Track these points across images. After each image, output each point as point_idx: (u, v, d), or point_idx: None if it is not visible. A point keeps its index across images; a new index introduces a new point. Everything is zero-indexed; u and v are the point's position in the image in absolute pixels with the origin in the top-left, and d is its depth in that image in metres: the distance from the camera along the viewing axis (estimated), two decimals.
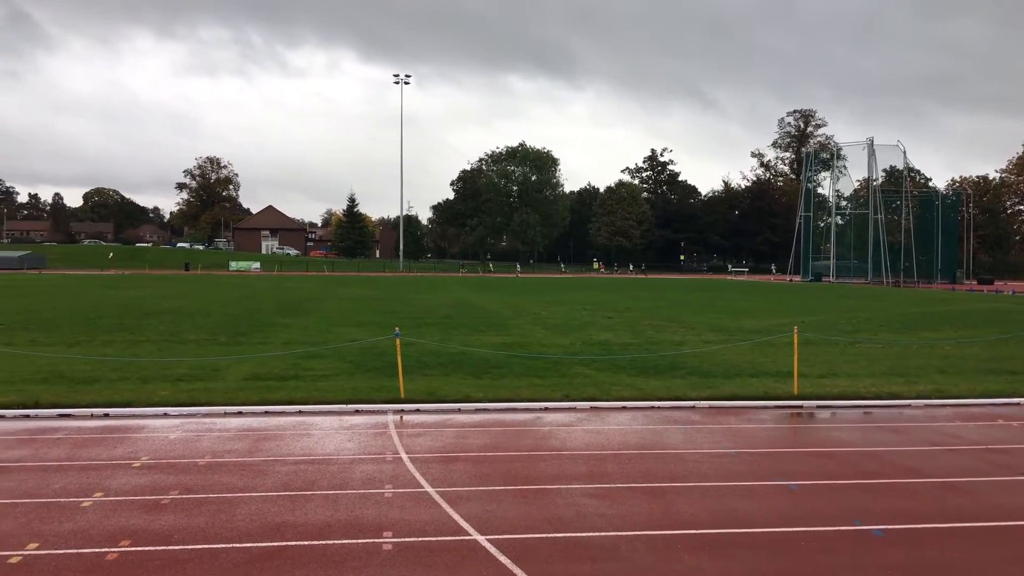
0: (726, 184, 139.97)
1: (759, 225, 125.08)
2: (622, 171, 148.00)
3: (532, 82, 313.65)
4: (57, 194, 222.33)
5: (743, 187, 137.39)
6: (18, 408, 12.11)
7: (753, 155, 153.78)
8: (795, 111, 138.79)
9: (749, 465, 9.61)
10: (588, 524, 7.34)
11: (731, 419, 12.33)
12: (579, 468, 9.31)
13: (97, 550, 6.55)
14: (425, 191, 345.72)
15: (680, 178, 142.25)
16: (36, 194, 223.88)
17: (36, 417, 11.79)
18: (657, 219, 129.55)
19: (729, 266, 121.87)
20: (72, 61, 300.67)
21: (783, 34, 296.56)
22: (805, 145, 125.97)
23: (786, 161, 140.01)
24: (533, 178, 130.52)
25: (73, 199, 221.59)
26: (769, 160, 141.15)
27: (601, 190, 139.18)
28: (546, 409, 12.76)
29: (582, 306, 36.46)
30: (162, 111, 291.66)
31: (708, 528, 7.30)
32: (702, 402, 13.32)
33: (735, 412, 12.87)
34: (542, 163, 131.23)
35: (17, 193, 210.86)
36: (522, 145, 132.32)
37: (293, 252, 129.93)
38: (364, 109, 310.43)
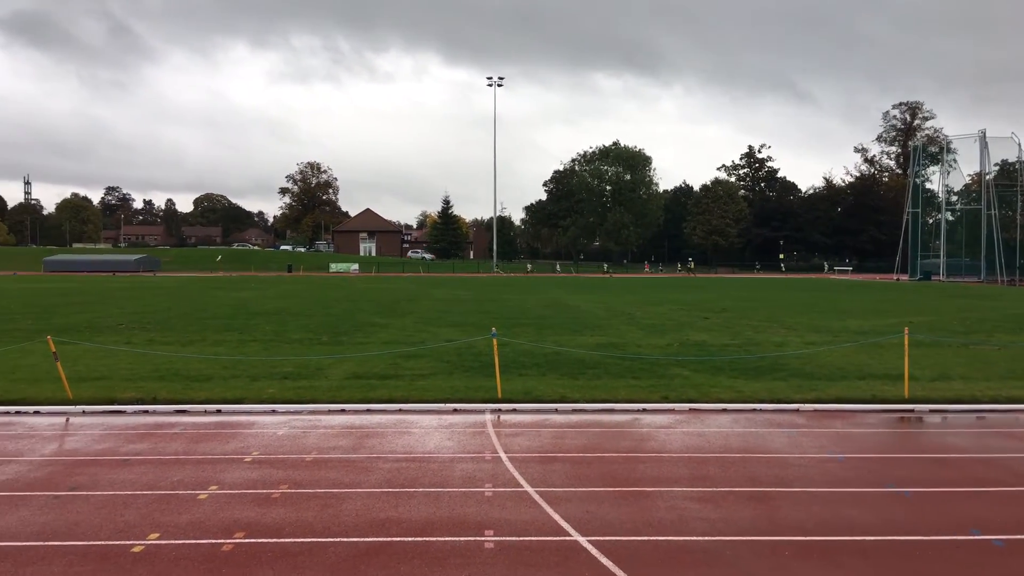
0: (827, 180, 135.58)
1: (863, 222, 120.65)
2: (718, 168, 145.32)
3: (618, 79, 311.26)
4: (169, 200, 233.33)
5: (846, 183, 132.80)
6: (138, 404, 12.76)
7: (856, 150, 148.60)
8: (901, 103, 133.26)
9: (858, 471, 9.29)
10: (690, 528, 7.24)
11: (837, 423, 11.94)
12: (680, 471, 9.19)
13: (213, 541, 6.84)
14: (513, 192, 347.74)
15: (779, 175, 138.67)
16: (150, 200, 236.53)
17: (154, 412, 12.39)
18: (755, 217, 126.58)
19: (826, 264, 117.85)
20: (174, 72, 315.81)
21: (881, 22, 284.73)
22: (912, 139, 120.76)
23: (892, 156, 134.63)
24: (627, 177, 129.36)
25: (184, 204, 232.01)
26: (873, 155, 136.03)
27: (696, 188, 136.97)
28: (644, 410, 12.64)
29: (678, 306, 35.95)
30: (260, 118, 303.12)
31: (816, 535, 7.09)
32: (806, 405, 12.94)
33: (841, 416, 12.46)
34: (635, 162, 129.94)
35: (133, 199, 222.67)
36: (616, 144, 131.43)
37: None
38: (450, 111, 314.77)
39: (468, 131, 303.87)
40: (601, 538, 6.92)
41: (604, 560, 6.43)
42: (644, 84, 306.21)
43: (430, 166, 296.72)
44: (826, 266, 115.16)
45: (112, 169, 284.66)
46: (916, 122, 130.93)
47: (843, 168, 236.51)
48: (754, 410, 12.70)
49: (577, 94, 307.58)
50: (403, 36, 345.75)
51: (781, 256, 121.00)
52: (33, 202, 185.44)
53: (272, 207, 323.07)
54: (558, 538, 6.94)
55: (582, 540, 6.87)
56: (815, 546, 6.83)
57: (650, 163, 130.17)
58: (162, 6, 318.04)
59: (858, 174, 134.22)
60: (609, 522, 7.37)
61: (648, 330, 24.64)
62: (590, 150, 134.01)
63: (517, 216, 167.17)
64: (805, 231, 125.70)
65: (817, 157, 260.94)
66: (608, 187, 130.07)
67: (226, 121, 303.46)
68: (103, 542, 6.82)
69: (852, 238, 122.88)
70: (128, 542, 6.81)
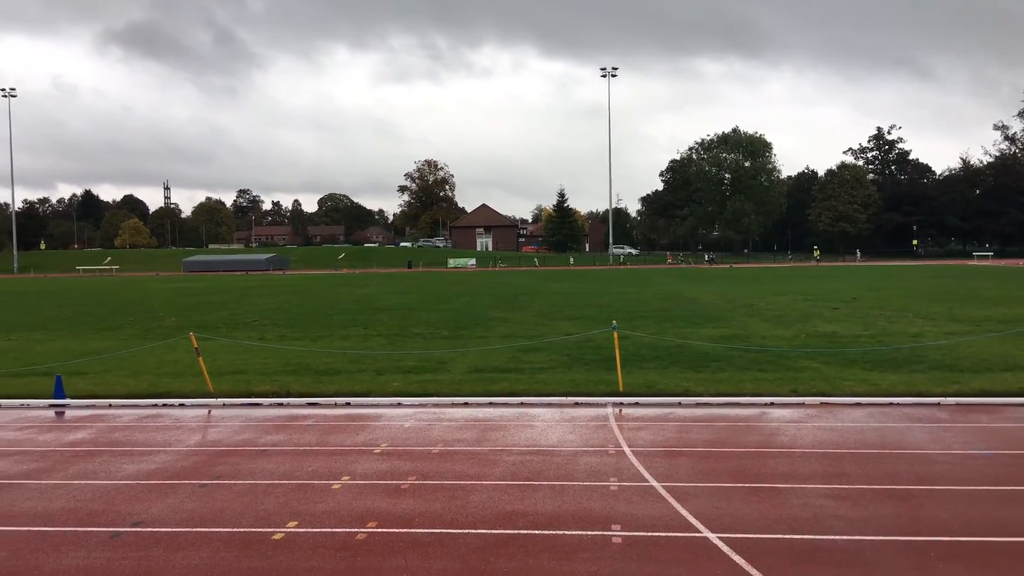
0: (964, 161, 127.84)
1: (1004, 204, 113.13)
2: (844, 152, 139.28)
3: (721, 63, 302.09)
4: (296, 200, 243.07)
5: (984, 163, 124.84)
6: (273, 397, 13.34)
7: (996, 127, 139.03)
8: None
9: (1008, 468, 8.71)
10: (826, 527, 6.96)
11: (982, 417, 11.24)
12: (813, 467, 8.85)
13: (348, 530, 7.06)
14: (623, 183, 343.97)
15: (910, 156, 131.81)
16: (278, 201, 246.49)
17: (288, 405, 12.92)
18: (885, 202, 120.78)
19: (964, 248, 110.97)
20: (281, 76, 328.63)
21: None
22: None
23: None
24: (746, 164, 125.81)
25: (309, 204, 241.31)
26: (1015, 132, 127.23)
27: (820, 174, 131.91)
28: (772, 404, 12.26)
29: (803, 296, 34.72)
30: (365, 118, 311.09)
31: (964, 536, 6.69)
32: (948, 399, 12.24)
33: (987, 410, 11.71)
34: (755, 148, 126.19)
35: (263, 201, 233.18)
36: (735, 130, 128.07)
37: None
38: (550, 104, 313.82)
39: (570, 123, 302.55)
40: (732, 535, 6.74)
41: (736, 557, 6.27)
42: (750, 67, 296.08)
43: (535, 160, 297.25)
44: (965, 250, 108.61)
45: (234, 173, 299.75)
46: None
47: (980, 148, 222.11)
48: (890, 404, 12.11)
49: (679, 81, 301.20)
50: (498, 31, 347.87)
51: (915, 242, 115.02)
52: (172, 206, 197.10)
53: (388, 204, 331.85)
54: (687, 534, 6.81)
55: (712, 537, 6.72)
56: (963, 548, 6.44)
57: (770, 148, 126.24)
58: (264, 13, 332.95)
59: (997, 153, 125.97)
60: (740, 518, 7.17)
61: (773, 321, 23.91)
62: (707, 137, 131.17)
63: (633, 207, 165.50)
64: (940, 215, 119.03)
65: (944, 136, 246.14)
66: (727, 175, 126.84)
67: (334, 122, 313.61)
68: (245, 529, 7.15)
69: (992, 221, 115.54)
70: (268, 529, 7.12)
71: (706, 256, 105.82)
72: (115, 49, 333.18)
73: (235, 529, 7.14)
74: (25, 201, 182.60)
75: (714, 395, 12.76)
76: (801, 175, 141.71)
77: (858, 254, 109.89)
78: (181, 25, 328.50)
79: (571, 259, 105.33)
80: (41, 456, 10.01)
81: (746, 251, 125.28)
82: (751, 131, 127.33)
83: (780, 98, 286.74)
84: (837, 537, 6.70)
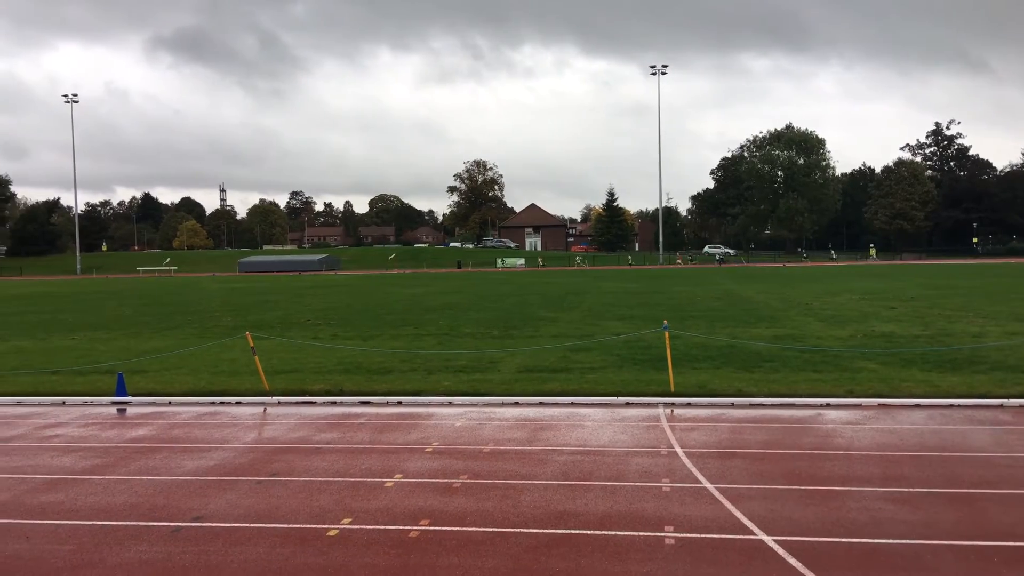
0: None
1: None
2: (901, 148, 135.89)
3: (767, 58, 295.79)
4: (347, 202, 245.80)
5: None
6: (327, 395, 13.53)
7: None
8: None
9: None
10: (885, 530, 6.82)
11: None
12: (870, 469, 8.68)
13: (401, 528, 7.13)
14: (672, 181, 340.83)
15: (969, 152, 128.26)
16: (330, 202, 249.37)
17: (341, 404, 13.09)
18: (944, 199, 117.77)
19: None
20: (326, 79, 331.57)
21: None
22: None
23: None
24: (800, 161, 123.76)
25: (360, 205, 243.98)
26: None
27: (877, 170, 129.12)
28: (827, 405, 12.04)
29: (859, 295, 34.03)
30: (410, 119, 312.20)
31: None
32: (1012, 400, 11.89)
33: None
34: (809, 145, 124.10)
35: (315, 202, 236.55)
36: (788, 127, 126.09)
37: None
38: (594, 102, 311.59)
39: (614, 122, 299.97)
40: (788, 538, 6.64)
41: (792, 561, 6.17)
42: (796, 62, 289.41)
43: (580, 159, 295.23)
44: None
45: (284, 175, 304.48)
46: None
47: None
48: (951, 406, 11.81)
49: (724, 77, 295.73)
50: (539, 30, 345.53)
51: (975, 240, 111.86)
52: (228, 208, 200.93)
53: (436, 205, 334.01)
54: (742, 536, 6.73)
55: (767, 539, 6.63)
56: None
57: (824, 145, 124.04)
58: (307, 16, 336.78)
59: None
60: (796, 521, 7.07)
61: (828, 321, 23.48)
62: (759, 135, 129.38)
63: (682, 206, 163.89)
64: (1001, 212, 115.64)
65: (1003, 131, 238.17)
66: (780, 172, 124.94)
67: (380, 124, 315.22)
68: (301, 525, 7.26)
69: None
70: (324, 526, 7.22)
71: (716, 256, 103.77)
72: (164, 55, 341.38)
73: (291, 525, 7.26)
74: (87, 204, 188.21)
75: (768, 396, 12.59)
76: (857, 172, 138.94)
77: (873, 253, 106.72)
78: (226, 30, 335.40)
79: (629, 258, 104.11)
80: (104, 452, 10.30)
81: (799, 249, 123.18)
82: (806, 128, 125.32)
83: (830, 94, 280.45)
84: (897, 541, 6.56)
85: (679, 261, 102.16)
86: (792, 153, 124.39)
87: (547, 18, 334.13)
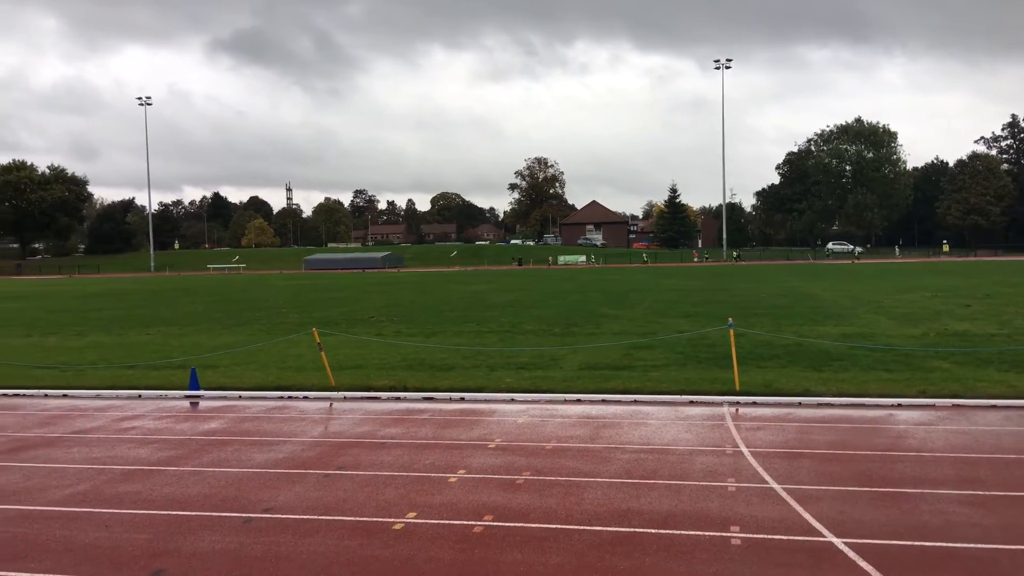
0: None
1: None
2: (975, 141, 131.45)
3: (826, 49, 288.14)
4: (410, 200, 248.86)
5: None
6: (391, 391, 13.71)
7: None
8: None
9: None
10: (960, 534, 6.62)
11: None
12: (944, 472, 8.43)
13: (465, 522, 7.19)
14: (730, 176, 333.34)
15: None
16: (392, 201, 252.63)
17: (405, 399, 13.25)
18: (1021, 193, 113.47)
19: None
20: (382, 78, 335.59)
21: None
22: None
23: None
24: (868, 155, 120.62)
25: (422, 203, 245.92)
26: None
27: (950, 164, 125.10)
28: (899, 406, 11.73)
29: (932, 293, 33.03)
30: (466, 116, 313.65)
31: None
32: None
33: None
34: (878, 139, 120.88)
35: (378, 200, 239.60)
36: (857, 120, 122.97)
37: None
38: (650, 98, 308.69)
39: (671, 117, 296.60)
40: (858, 540, 6.50)
41: (863, 564, 6.04)
42: (858, 53, 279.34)
43: (638, 155, 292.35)
44: None
45: (344, 174, 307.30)
46: None
47: None
48: None
49: (783, 70, 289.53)
50: (591, 26, 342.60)
51: None
52: (294, 206, 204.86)
53: (495, 202, 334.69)
54: (810, 538, 6.60)
55: (837, 541, 6.49)
56: None
57: (895, 139, 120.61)
58: (361, 16, 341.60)
59: None
60: (866, 523, 6.91)
61: (899, 319, 22.86)
62: (826, 129, 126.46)
63: (745, 202, 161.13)
64: None
65: None
66: (848, 167, 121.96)
67: (436, 122, 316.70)
68: (367, 518, 7.38)
69: None
70: (389, 519, 7.33)
71: (734, 253, 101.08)
72: (224, 57, 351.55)
73: (358, 518, 7.38)
74: (160, 204, 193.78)
75: (837, 395, 12.32)
76: (929, 166, 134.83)
77: (897, 250, 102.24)
78: (283, 31, 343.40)
79: (706, 256, 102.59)
80: (178, 444, 10.62)
81: (868, 246, 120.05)
82: (876, 121, 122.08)
83: (895, 85, 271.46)
84: (972, 545, 6.37)
85: (696, 259, 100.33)
86: (861, 147, 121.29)
87: (599, 14, 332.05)
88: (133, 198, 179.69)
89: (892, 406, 11.73)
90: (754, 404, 12.15)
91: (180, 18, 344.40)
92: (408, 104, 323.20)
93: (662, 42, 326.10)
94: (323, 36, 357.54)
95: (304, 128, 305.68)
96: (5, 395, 14.58)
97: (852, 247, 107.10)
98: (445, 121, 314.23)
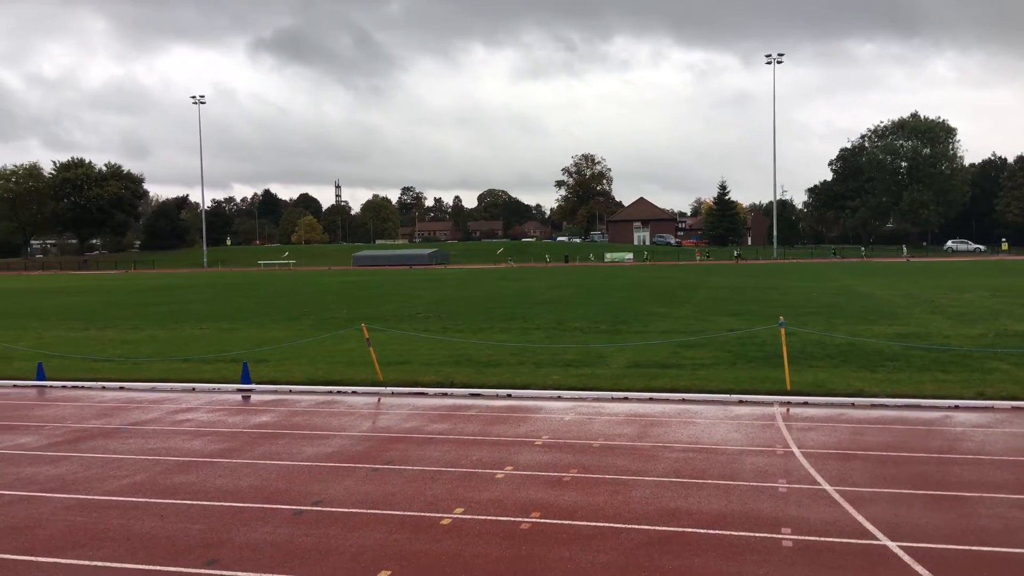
0: None
1: None
2: None
3: (873, 43, 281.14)
4: (457, 197, 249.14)
5: None
6: (438, 387, 13.78)
7: None
8: None
9: None
10: (1020, 539, 6.43)
11: None
12: (1004, 475, 8.20)
13: (512, 519, 7.20)
14: (778, 173, 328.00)
15: None
16: (439, 198, 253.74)
17: (452, 395, 13.31)
18: None
19: None
20: (423, 76, 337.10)
21: None
22: None
23: None
24: (925, 151, 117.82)
25: (469, 201, 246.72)
26: None
27: (1009, 160, 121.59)
28: (956, 407, 11.44)
29: (990, 292, 32.15)
30: (507, 113, 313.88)
31: None
32: None
33: None
34: (935, 134, 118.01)
35: (425, 198, 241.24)
36: (913, 115, 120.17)
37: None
38: (692, 93, 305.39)
39: (715, 113, 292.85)
40: (914, 544, 6.36)
41: (919, 568, 5.90)
42: (908, 47, 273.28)
43: (682, 151, 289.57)
44: None
45: (388, 171, 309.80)
46: None
47: None
48: None
49: (829, 64, 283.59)
50: (631, 22, 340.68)
51: None
52: (343, 204, 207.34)
53: (544, 199, 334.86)
54: (864, 541, 6.47)
55: (891, 545, 6.36)
56: None
57: (954, 135, 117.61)
58: (400, 14, 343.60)
59: None
60: (922, 527, 6.75)
61: (956, 319, 22.30)
62: (881, 124, 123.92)
63: (797, 199, 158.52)
64: None
65: None
66: (904, 163, 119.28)
67: (476, 119, 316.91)
68: (415, 513, 7.43)
69: None
70: (437, 514, 7.37)
71: (735, 252, 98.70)
72: (267, 56, 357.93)
73: (406, 512, 7.44)
74: (213, 200, 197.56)
75: (891, 396, 12.06)
76: (986, 162, 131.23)
77: (904, 250, 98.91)
78: (322, 30, 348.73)
79: (708, 254, 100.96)
80: (231, 437, 10.81)
81: (924, 244, 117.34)
82: (934, 116, 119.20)
83: (946, 80, 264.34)
84: None
85: (698, 257, 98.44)
86: (917, 143, 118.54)
87: (638, 10, 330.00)
88: (187, 195, 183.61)
89: (949, 408, 11.45)
90: (805, 404, 11.96)
91: (224, 18, 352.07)
92: (449, 102, 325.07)
93: (704, 37, 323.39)
94: (362, 34, 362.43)
95: (348, 126, 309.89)
96: (65, 387, 15.00)
97: (977, 246, 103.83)
98: (486, 118, 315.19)
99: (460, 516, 7.31)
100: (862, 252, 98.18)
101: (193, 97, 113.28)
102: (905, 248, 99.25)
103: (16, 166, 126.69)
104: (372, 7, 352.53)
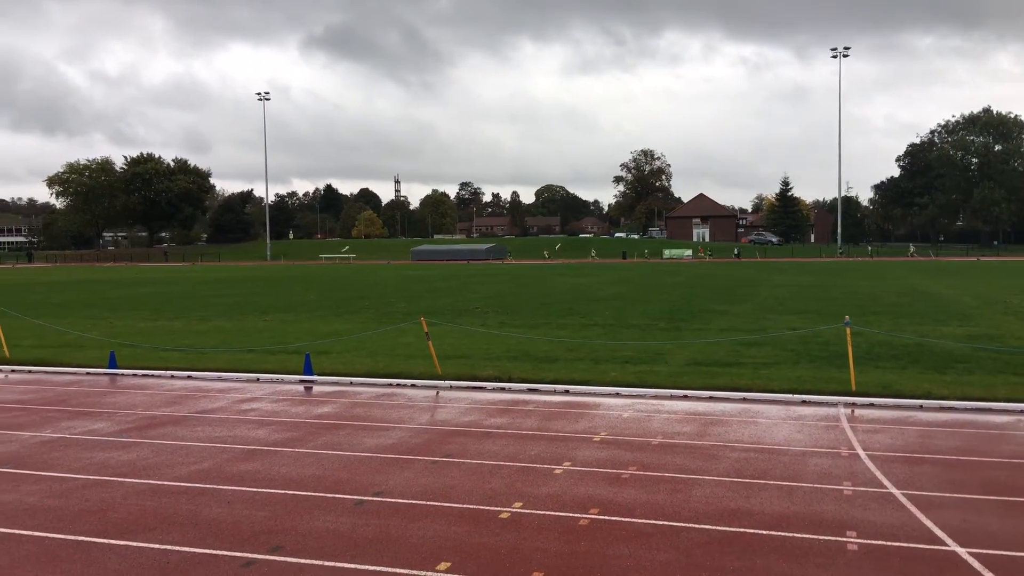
0: None
1: None
2: None
3: (933, 35, 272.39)
4: (514, 192, 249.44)
5: None
6: (495, 381, 13.84)
7: None
8: None
9: None
10: None
11: None
12: None
13: (571, 515, 7.20)
14: (840, 169, 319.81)
15: None
16: (497, 193, 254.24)
17: (510, 390, 13.35)
18: None
19: None
20: (472, 71, 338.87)
21: None
22: None
23: None
24: (997, 148, 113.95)
25: (526, 196, 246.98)
26: None
27: None
28: None
29: None
30: (558, 108, 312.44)
31: None
32: None
33: None
34: (1008, 129, 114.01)
35: (483, 193, 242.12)
36: (986, 110, 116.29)
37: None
38: (746, 87, 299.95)
39: (770, 107, 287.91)
40: (984, 551, 6.18)
41: (988, 575, 5.74)
42: (970, 39, 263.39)
43: (738, 146, 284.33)
44: None
45: (441, 167, 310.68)
46: None
47: None
48: None
49: (888, 57, 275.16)
50: (681, 16, 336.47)
51: None
52: (402, 198, 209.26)
53: (601, 195, 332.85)
54: (932, 547, 6.31)
55: (961, 551, 6.19)
56: None
57: None
58: (449, 10, 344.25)
59: None
60: (992, 534, 6.56)
61: None
62: (951, 119, 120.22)
63: (863, 196, 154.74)
64: None
65: None
66: (975, 159, 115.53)
67: (528, 114, 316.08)
68: (474, 506, 7.49)
69: None
70: (496, 508, 7.41)
71: (735, 251, 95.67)
72: (319, 53, 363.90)
73: (465, 505, 7.50)
74: (276, 195, 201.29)
75: (961, 399, 11.72)
76: None
77: (912, 249, 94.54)
78: (372, 27, 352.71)
79: (709, 253, 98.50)
80: (294, 427, 11.03)
81: (996, 243, 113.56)
82: (1007, 111, 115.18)
83: (1010, 73, 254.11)
84: None
85: (702, 255, 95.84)
86: (989, 139, 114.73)
87: (688, 4, 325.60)
88: (251, 189, 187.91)
89: (1021, 412, 11.08)
90: (871, 406, 11.69)
91: (276, 15, 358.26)
92: (500, 97, 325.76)
93: (755, 30, 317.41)
94: (411, 30, 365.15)
95: (401, 122, 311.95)
96: (135, 375, 15.47)
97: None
98: (538, 113, 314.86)
99: (519, 510, 7.33)
100: (911, 251, 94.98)
101: (258, 94, 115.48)
102: (912, 247, 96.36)
103: (88, 160, 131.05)
104: (420, 3, 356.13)
